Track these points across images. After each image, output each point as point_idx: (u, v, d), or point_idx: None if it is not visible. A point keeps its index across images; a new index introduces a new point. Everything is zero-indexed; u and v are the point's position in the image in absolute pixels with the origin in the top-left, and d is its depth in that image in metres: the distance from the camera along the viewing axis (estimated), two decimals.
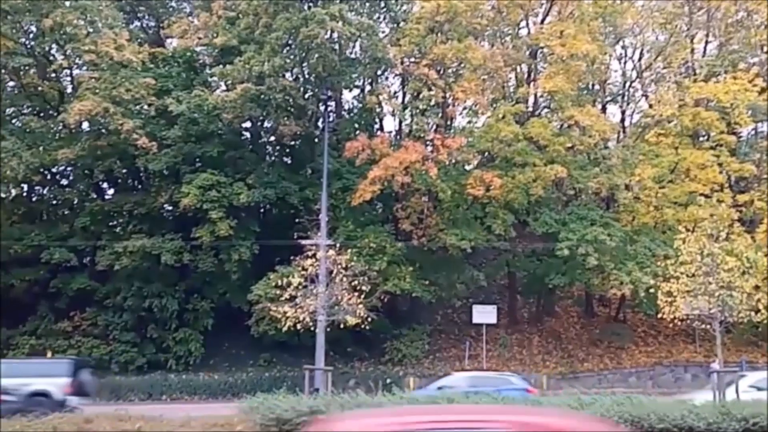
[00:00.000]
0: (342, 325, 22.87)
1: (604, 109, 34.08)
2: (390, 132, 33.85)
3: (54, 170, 31.56)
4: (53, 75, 30.38)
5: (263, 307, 26.21)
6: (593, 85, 33.78)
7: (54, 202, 32.74)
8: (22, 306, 29.81)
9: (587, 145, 30.05)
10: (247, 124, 32.77)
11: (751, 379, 18.71)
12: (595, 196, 32.12)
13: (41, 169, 30.06)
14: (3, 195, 29.85)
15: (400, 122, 33.81)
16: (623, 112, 35.42)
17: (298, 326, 22.32)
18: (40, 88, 30.04)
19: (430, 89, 29.75)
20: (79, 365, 23.20)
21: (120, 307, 29.50)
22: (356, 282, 21.60)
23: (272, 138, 33.75)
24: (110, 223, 31.00)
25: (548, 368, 29.73)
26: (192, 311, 30.18)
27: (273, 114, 30.56)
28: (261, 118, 31.54)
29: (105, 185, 33.28)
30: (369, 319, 22.55)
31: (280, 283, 23.45)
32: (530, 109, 32.77)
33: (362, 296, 21.96)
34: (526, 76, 32.94)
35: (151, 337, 29.53)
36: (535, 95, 32.63)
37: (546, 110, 33.55)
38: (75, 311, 29.74)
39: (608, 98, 34.86)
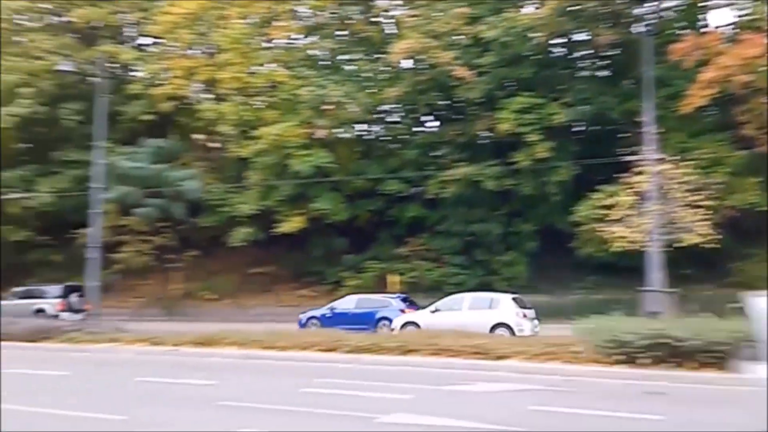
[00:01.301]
0: (676, 245, 21.24)
1: None
2: (720, 27, 29.63)
3: (383, 108, 34.23)
4: (376, 19, 32.70)
5: (589, 228, 25.59)
6: None
7: (384, 138, 35.75)
8: (366, 234, 33.49)
9: None
10: (558, 41, 31.55)
11: None
12: None
13: (372, 109, 32.87)
14: (344, 136, 33.39)
15: (737, 11, 29.32)
16: None
17: (628, 247, 21.36)
18: (365, 34, 32.61)
19: None
20: (70, 290, 29.12)
21: (449, 233, 31.40)
22: (693, 198, 19.76)
23: (586, 51, 32.08)
24: (435, 154, 32.84)
25: None
26: (515, 234, 30.85)
27: (587, 25, 28.93)
28: (573, 31, 30.09)
29: (428, 118, 35.20)
30: (709, 238, 20.56)
31: (605, 202, 22.61)
32: None
33: (701, 213, 20.06)
34: None
35: (479, 260, 30.94)
36: None
37: None
38: (410, 237, 32.45)
39: None
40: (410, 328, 19.97)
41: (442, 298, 29.32)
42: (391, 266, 31.37)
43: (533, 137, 27.97)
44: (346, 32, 33.19)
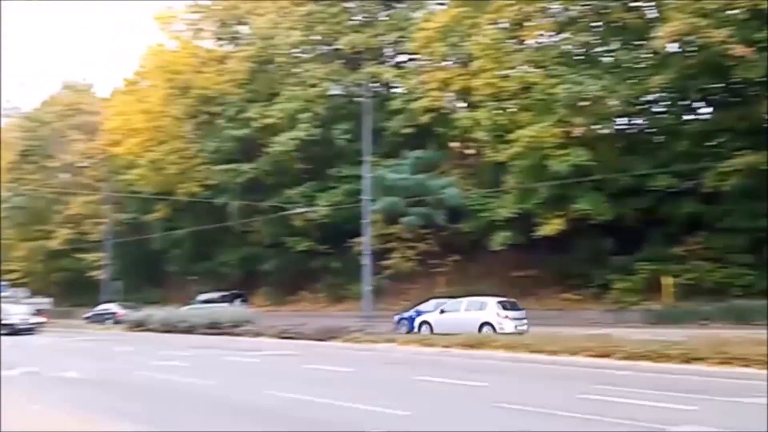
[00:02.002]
0: None
1: None
2: None
3: (646, 99, 31.99)
4: (635, 4, 30.73)
5: None
6: None
7: (650, 130, 33.37)
8: (635, 234, 31.43)
9: None
10: None
11: None
12: None
13: (634, 101, 30.88)
14: (603, 131, 31.86)
15: None
16: None
17: None
18: (623, 22, 30.80)
19: None
20: (234, 296, 37.46)
21: (733, 229, 28.20)
22: None
23: None
24: (709, 143, 29.85)
25: None
26: None
27: None
28: None
29: (699, 105, 32.13)
30: None
31: None
32: None
33: None
34: None
35: None
36: None
37: None
38: (686, 236, 29.80)
39: None
40: (425, 327, 24.04)
41: (726, 301, 26.79)
42: (665, 267, 29.10)
43: None
44: (601, 23, 31.67)
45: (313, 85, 38.20)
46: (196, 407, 11.26)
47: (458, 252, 35.43)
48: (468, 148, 39.65)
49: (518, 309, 24.22)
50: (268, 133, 38.88)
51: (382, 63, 39.76)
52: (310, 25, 40.24)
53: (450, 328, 21.82)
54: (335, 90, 35.49)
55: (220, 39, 45.65)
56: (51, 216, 57.26)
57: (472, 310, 23.61)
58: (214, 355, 20.30)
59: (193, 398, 12.23)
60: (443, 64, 35.87)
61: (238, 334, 26.96)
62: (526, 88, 31.71)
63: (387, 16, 40.62)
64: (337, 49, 41.25)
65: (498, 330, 21.97)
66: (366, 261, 30.05)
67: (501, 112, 32.54)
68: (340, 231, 37.00)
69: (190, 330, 29.49)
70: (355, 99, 37.84)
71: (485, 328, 22.15)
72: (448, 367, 15.86)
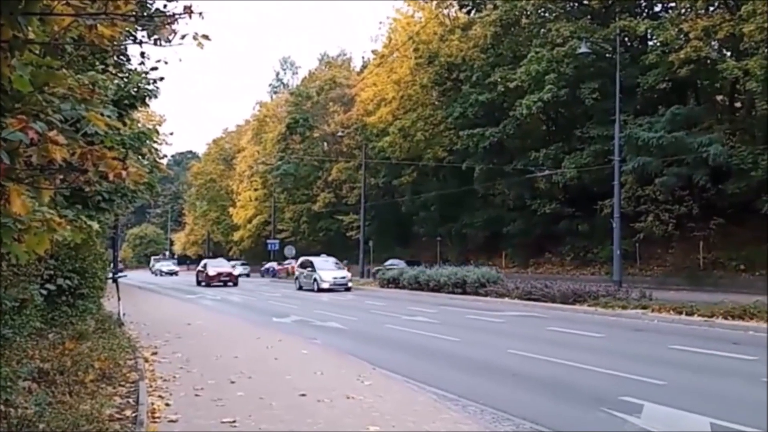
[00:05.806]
0: None
1: None
2: None
3: None
4: None
5: None
6: None
7: None
8: None
9: None
10: None
11: None
12: None
13: None
14: None
15: None
16: None
17: None
18: None
19: None
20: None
21: None
22: None
23: None
24: None
25: None
26: None
27: None
28: None
29: None
30: None
31: None
32: None
33: None
34: None
35: None
36: None
37: None
38: None
39: None
40: None
41: None
42: None
43: None
44: None
45: (560, 45, 36.95)
46: (437, 361, 11.98)
47: (722, 215, 32.33)
48: (736, 100, 35.67)
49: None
50: (513, 96, 38.67)
51: (635, 15, 37.04)
52: None
53: None
54: (583, 48, 33.85)
55: (463, 6, 46.04)
56: (314, 181, 63.36)
57: None
58: (459, 313, 21.16)
59: (437, 353, 12.98)
60: (709, 10, 32.47)
61: (483, 294, 27.67)
62: None
63: None
64: (585, 5, 39.40)
65: None
66: (616, 224, 28.82)
67: None
68: (587, 193, 35.82)
69: (437, 288, 30.92)
70: (605, 56, 35.93)
71: None
72: (707, 337, 14.80)
